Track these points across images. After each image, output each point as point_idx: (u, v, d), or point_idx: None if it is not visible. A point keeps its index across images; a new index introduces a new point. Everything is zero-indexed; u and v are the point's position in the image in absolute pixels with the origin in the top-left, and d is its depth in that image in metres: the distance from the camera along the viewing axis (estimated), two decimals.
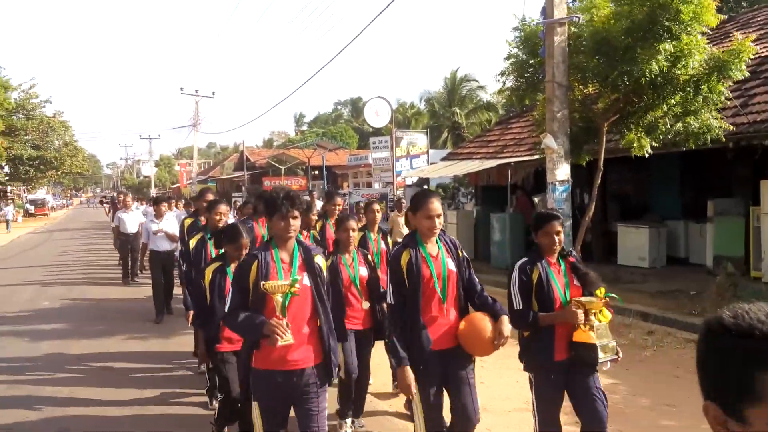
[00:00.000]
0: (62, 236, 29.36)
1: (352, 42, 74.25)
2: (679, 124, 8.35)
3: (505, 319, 3.59)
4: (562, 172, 9.04)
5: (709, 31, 8.07)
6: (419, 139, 22.13)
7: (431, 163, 20.66)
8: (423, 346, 3.55)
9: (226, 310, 3.62)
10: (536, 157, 11.31)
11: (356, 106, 55.15)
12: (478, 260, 13.95)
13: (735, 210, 10.86)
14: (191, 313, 5.78)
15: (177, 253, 9.58)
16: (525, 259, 3.80)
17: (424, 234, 3.70)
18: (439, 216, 3.68)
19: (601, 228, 13.29)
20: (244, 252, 4.43)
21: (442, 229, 3.80)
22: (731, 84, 8.99)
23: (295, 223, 3.44)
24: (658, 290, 10.11)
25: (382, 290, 4.99)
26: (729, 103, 9.34)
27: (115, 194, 37.74)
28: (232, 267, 4.42)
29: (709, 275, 10.26)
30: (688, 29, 7.84)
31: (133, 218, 13.92)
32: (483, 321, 3.61)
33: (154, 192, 53.15)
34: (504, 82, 9.76)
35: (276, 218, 3.40)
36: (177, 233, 9.57)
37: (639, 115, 8.59)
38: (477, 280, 3.86)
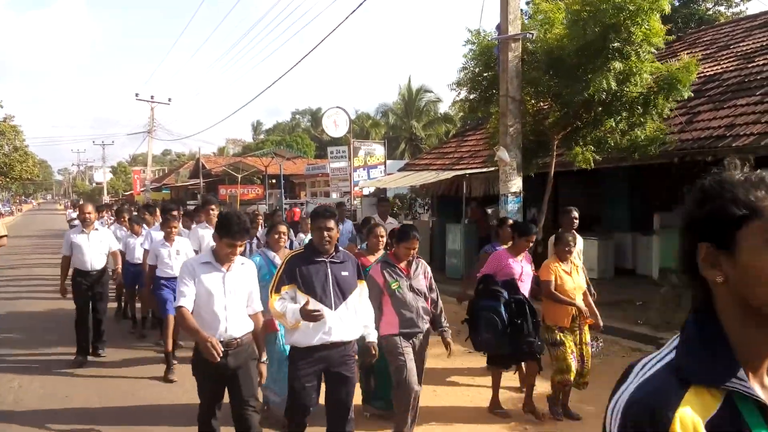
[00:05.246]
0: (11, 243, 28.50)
1: (312, 52, 74.58)
2: (626, 139, 8.62)
3: None
4: (514, 184, 9.24)
5: (655, 51, 8.35)
6: (377, 150, 22.26)
7: (389, 174, 20.80)
8: None
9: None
10: (490, 168, 11.52)
11: (315, 116, 55.10)
12: (433, 270, 13.98)
13: (679, 223, 11.22)
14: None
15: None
16: None
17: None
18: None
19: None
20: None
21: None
22: (677, 101, 9.33)
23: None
24: (605, 300, 10.34)
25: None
26: (675, 119, 9.68)
27: None
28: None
29: (654, 286, 10.56)
30: (638, 50, 8.12)
31: (100, 242, 7.38)
32: None
33: (106, 199, 51.99)
34: (459, 93, 9.95)
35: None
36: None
37: (588, 131, 8.85)
38: None
